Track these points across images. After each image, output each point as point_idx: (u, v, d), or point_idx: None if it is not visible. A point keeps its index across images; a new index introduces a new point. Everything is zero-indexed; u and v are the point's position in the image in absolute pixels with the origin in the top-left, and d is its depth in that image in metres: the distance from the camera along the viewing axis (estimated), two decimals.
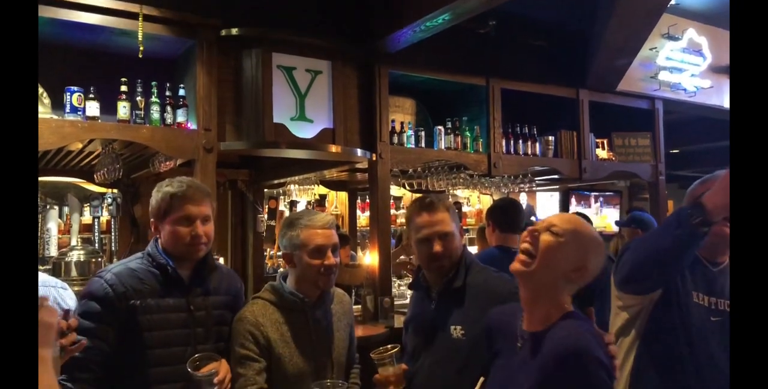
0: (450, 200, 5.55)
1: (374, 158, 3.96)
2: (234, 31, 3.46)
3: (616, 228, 6.47)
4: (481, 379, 1.47)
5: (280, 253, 5.11)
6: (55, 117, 3.02)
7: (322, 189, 5.49)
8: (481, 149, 4.43)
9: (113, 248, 3.94)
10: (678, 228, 1.50)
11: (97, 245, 3.73)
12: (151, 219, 1.95)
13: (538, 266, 1.40)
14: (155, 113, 3.23)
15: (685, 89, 5.21)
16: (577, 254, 1.41)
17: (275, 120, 3.47)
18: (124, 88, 3.18)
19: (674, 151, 7.77)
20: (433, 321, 1.89)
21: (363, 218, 5.89)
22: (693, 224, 1.46)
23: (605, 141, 5.17)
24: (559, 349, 1.32)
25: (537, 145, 4.70)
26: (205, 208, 1.93)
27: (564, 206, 6.34)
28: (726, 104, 5.53)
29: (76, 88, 3.05)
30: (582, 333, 1.35)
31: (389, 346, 1.86)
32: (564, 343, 1.32)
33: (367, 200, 5.04)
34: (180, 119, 3.30)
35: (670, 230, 1.53)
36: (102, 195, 3.99)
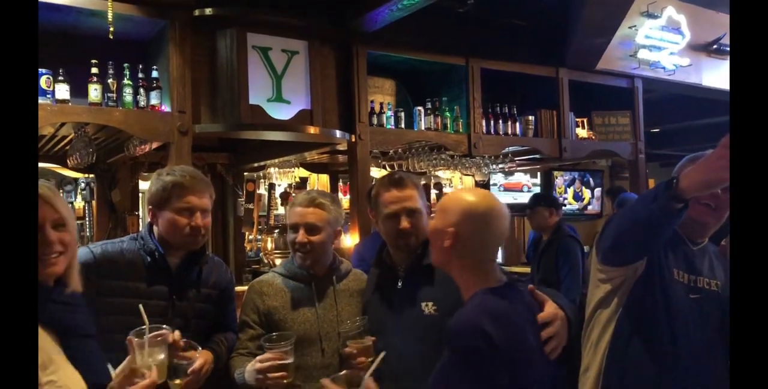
0: (432, 181, 5.55)
1: (353, 140, 3.93)
2: (208, 11, 3.39)
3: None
4: (382, 354, 1.54)
5: (259, 237, 5.10)
6: None
7: (302, 172, 5.45)
8: (461, 130, 4.42)
9: (89, 234, 3.90)
10: (653, 202, 1.51)
11: None
12: (149, 206, 1.95)
13: (431, 251, 1.55)
14: (128, 95, 3.16)
15: (664, 68, 5.21)
16: (442, 227, 1.48)
17: (251, 101, 3.42)
18: (94, 70, 3.11)
19: (654, 129, 7.82)
20: (401, 299, 1.88)
21: (345, 200, 5.87)
22: (666, 199, 1.47)
23: (585, 120, 5.17)
24: (452, 325, 1.39)
25: (517, 125, 4.70)
26: (206, 200, 1.94)
27: (546, 186, 6.37)
28: (704, 81, 5.56)
29: (44, 71, 2.97)
30: (476, 307, 1.39)
31: (357, 319, 1.88)
32: (455, 319, 1.39)
33: (349, 183, 5.02)
34: (153, 101, 3.24)
35: (646, 203, 1.55)
36: (76, 180, 3.93)
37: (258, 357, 1.76)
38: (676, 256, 1.79)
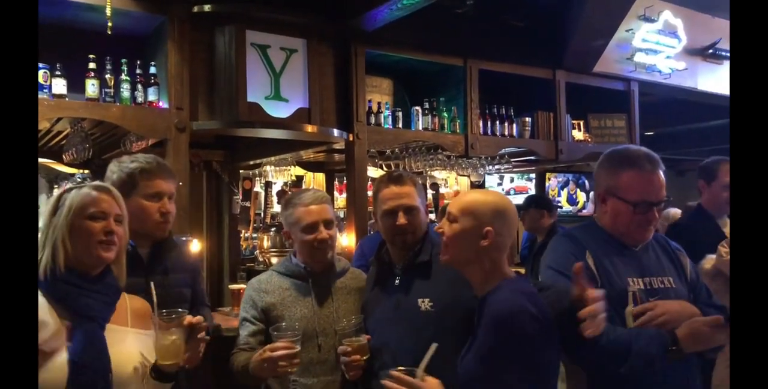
0: (428, 181, 5.55)
1: (351, 139, 3.92)
2: (207, 7, 3.38)
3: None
4: (433, 345, 1.52)
5: (255, 235, 5.08)
6: None
7: (298, 170, 5.44)
8: (458, 130, 4.42)
9: None
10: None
11: None
12: None
13: (450, 253, 1.60)
14: (125, 91, 3.15)
15: (660, 71, 5.24)
16: (475, 228, 1.55)
17: (249, 99, 3.41)
18: (92, 65, 3.09)
19: (649, 133, 7.86)
20: (399, 296, 1.90)
21: (341, 199, 5.86)
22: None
23: (581, 122, 5.19)
24: (494, 311, 1.45)
25: (514, 126, 4.71)
26: (174, 185, 1.97)
27: (539, 188, 6.37)
28: (700, 86, 5.59)
29: (41, 65, 2.96)
30: (514, 292, 1.49)
31: (353, 317, 1.89)
32: (498, 305, 1.46)
33: (345, 182, 5.01)
34: (151, 97, 3.23)
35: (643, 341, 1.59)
36: (71, 176, 3.91)
37: (268, 346, 1.77)
38: (625, 264, 1.78)
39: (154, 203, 1.89)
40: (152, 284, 1.68)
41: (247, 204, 4.83)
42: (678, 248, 1.92)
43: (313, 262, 2.03)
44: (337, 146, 4.17)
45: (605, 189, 1.82)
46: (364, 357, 1.84)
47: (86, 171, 4.14)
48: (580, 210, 6.60)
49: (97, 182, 1.60)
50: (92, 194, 1.51)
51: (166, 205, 1.90)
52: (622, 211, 1.77)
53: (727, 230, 2.71)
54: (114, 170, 1.92)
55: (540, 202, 4.41)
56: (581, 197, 6.60)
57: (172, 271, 1.97)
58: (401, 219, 1.89)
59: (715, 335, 1.52)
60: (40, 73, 2.94)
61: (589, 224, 1.94)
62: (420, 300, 1.84)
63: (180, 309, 1.61)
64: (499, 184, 6.24)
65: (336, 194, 5.82)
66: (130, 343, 1.54)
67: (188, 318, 1.60)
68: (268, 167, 4.84)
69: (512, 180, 6.36)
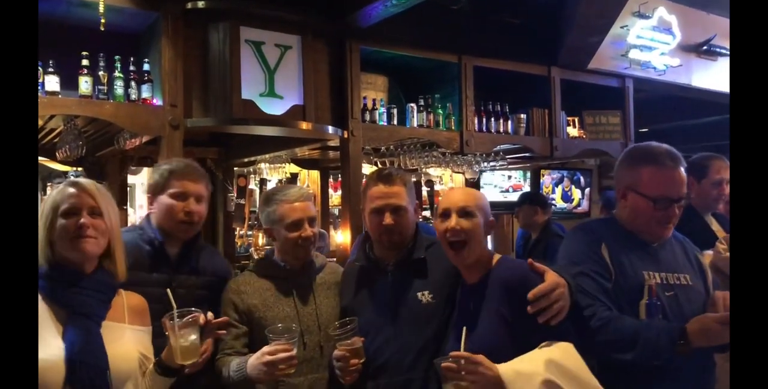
0: (423, 178, 5.54)
1: (346, 136, 3.91)
2: (200, 3, 3.36)
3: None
4: (464, 329, 1.55)
5: (250, 232, 5.07)
6: None
7: (293, 168, 5.41)
8: (453, 127, 4.42)
9: None
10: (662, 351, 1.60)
11: None
12: (148, 194, 2.02)
13: (475, 247, 1.70)
14: (119, 88, 3.13)
15: (654, 68, 5.25)
16: (486, 218, 1.74)
17: (244, 96, 3.39)
18: (85, 62, 3.07)
19: (643, 129, 7.87)
20: (395, 292, 1.89)
21: (335, 197, 5.85)
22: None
23: (576, 119, 5.20)
24: (506, 278, 1.64)
25: (509, 123, 4.71)
26: (201, 187, 2.00)
27: (534, 185, 6.37)
28: (694, 82, 5.60)
29: None
30: (515, 262, 1.73)
31: (347, 320, 1.85)
32: (509, 273, 1.66)
33: (340, 179, 5.00)
34: (145, 94, 3.21)
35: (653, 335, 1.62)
36: (65, 174, 3.89)
37: (266, 350, 1.74)
38: (642, 258, 1.79)
39: (178, 202, 1.94)
40: (169, 291, 1.68)
41: (242, 202, 4.81)
42: (699, 251, 1.93)
43: (294, 260, 2.01)
44: (331, 143, 4.16)
45: (625, 185, 1.83)
46: (362, 361, 1.81)
47: (79, 169, 4.12)
48: (575, 207, 6.59)
49: (73, 178, 1.63)
50: (64, 191, 1.53)
51: (190, 205, 1.95)
52: (642, 207, 1.78)
53: (714, 228, 2.70)
54: (152, 171, 2.04)
55: (534, 199, 4.42)
56: (576, 193, 6.59)
57: (199, 273, 2.00)
58: (388, 219, 1.87)
59: (724, 332, 1.52)
60: None
61: (608, 219, 1.97)
62: (420, 294, 1.84)
63: (193, 309, 1.62)
64: (508, 181, 6.23)
65: (331, 191, 5.80)
66: (127, 340, 1.54)
67: (202, 317, 1.62)
68: (262, 165, 4.83)
69: (514, 178, 6.34)
